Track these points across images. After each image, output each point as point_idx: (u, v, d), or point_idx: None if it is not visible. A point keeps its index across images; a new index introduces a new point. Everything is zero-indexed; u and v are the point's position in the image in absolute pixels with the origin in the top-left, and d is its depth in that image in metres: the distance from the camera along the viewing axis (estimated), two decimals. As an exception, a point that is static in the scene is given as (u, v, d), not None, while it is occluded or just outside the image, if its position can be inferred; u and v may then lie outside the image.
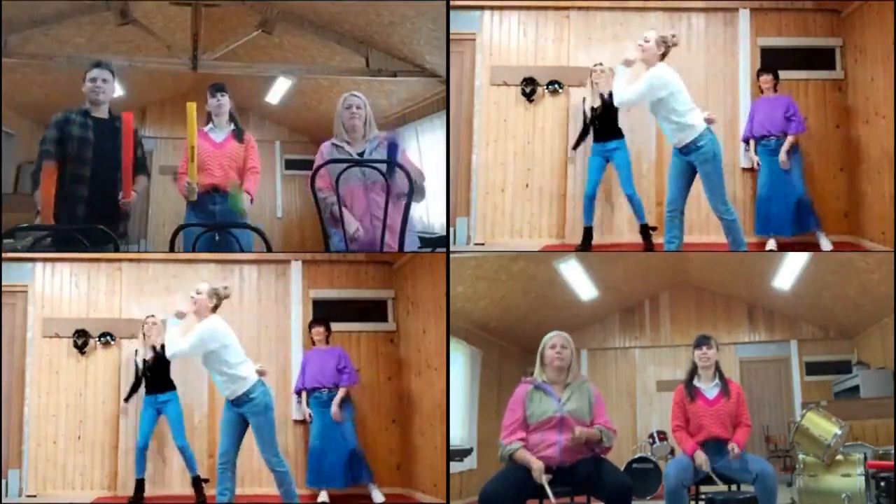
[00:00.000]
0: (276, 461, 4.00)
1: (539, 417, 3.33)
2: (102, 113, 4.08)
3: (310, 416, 5.25)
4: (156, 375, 5.21)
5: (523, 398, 3.41)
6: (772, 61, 5.66)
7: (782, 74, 5.53)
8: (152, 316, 5.33)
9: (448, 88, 5.71)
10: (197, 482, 5.21)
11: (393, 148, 3.70)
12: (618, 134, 5.32)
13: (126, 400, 5.37)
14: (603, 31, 5.88)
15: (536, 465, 3.21)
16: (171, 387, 5.25)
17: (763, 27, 5.80)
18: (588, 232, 5.41)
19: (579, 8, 5.89)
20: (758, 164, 5.31)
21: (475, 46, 5.94)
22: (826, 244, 5.19)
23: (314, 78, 7.47)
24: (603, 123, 5.31)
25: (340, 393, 5.20)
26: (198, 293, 3.93)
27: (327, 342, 5.44)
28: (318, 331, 5.43)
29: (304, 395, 5.34)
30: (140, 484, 5.19)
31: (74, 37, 6.51)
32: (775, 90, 5.34)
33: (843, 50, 5.70)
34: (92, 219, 3.86)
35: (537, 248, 5.70)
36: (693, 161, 4.14)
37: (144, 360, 5.26)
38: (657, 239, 5.32)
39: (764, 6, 5.80)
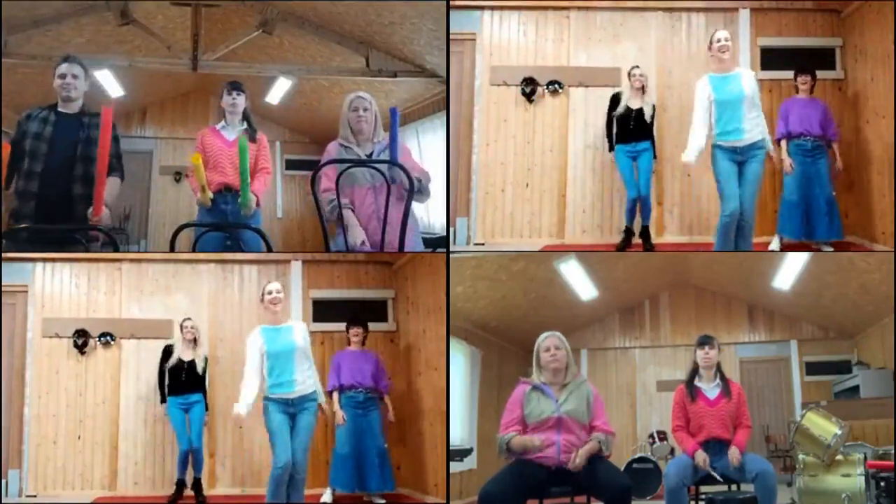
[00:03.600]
0: (304, 466, 4.04)
1: (537, 418, 3.33)
2: (73, 109, 3.91)
3: (343, 418, 5.07)
4: (190, 377, 5.21)
5: (521, 398, 3.41)
6: (772, 61, 5.66)
7: (782, 74, 5.53)
8: (189, 319, 5.33)
9: (448, 88, 5.71)
10: (198, 484, 5.23)
11: (393, 115, 3.58)
12: (648, 136, 5.33)
13: (163, 401, 5.27)
14: (603, 31, 5.88)
15: (537, 441, 3.23)
16: (200, 388, 5.26)
17: (763, 27, 5.80)
18: (628, 233, 5.40)
19: (579, 8, 5.89)
20: (791, 166, 5.08)
21: (475, 46, 5.94)
22: (827, 249, 5.20)
23: (314, 78, 7.48)
24: (638, 126, 5.30)
25: (390, 402, 5.19)
26: (278, 293, 4.12)
27: (363, 344, 5.33)
28: (357, 331, 5.28)
29: (336, 394, 5.13)
30: (180, 485, 5.20)
31: (75, 37, 6.51)
32: (811, 91, 5.23)
33: (843, 50, 5.70)
34: (42, 216, 3.71)
35: (537, 248, 5.70)
36: (747, 159, 4.28)
37: (182, 361, 5.21)
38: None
39: (764, 6, 5.81)
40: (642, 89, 5.33)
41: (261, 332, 4.11)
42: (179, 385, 5.21)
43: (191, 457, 5.20)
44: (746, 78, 4.33)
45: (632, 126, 5.31)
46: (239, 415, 3.97)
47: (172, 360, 5.23)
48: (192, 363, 5.24)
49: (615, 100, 5.40)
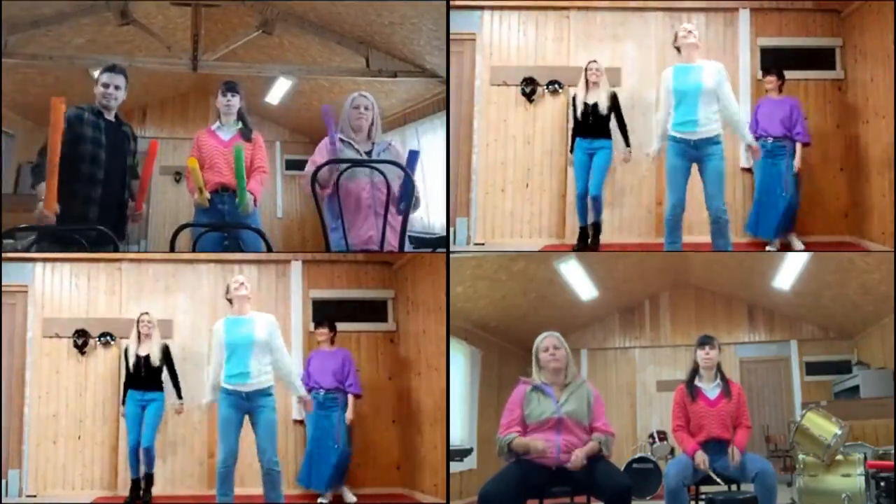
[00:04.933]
0: (276, 460, 4.02)
1: (537, 418, 3.33)
2: (111, 116, 4.05)
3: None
4: (150, 374, 5.20)
5: (521, 399, 3.41)
6: (772, 61, 5.66)
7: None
8: (146, 314, 5.30)
9: (448, 88, 5.71)
10: (148, 479, 5.20)
11: (413, 157, 3.68)
12: (607, 134, 5.31)
13: (124, 402, 5.26)
14: (603, 31, 5.88)
15: (539, 444, 3.22)
16: (160, 387, 5.24)
17: (763, 27, 5.80)
18: (583, 232, 5.41)
19: (579, 8, 5.89)
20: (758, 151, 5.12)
21: (475, 46, 5.94)
22: (798, 245, 5.21)
23: (314, 78, 7.48)
24: (596, 121, 5.30)
25: (351, 403, 5.19)
26: (238, 286, 4.11)
27: (332, 343, 5.38)
28: (321, 332, 5.35)
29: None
30: (135, 484, 5.19)
31: (75, 37, 6.51)
32: (780, 91, 5.28)
33: (843, 50, 5.71)
34: (103, 220, 3.84)
35: (537, 248, 5.70)
36: (703, 156, 4.23)
37: (138, 357, 5.20)
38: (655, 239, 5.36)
39: (764, 6, 5.81)
40: (597, 83, 5.29)
41: (223, 322, 4.09)
42: (138, 381, 5.19)
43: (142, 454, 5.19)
44: (709, 71, 4.24)
45: (590, 121, 5.29)
46: (207, 403, 4.14)
47: (130, 358, 5.21)
48: (146, 358, 5.20)
49: (574, 100, 5.39)
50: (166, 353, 5.29)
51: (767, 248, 5.32)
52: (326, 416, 5.15)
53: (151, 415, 5.19)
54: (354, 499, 5.15)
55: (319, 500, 5.16)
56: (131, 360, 5.21)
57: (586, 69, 5.33)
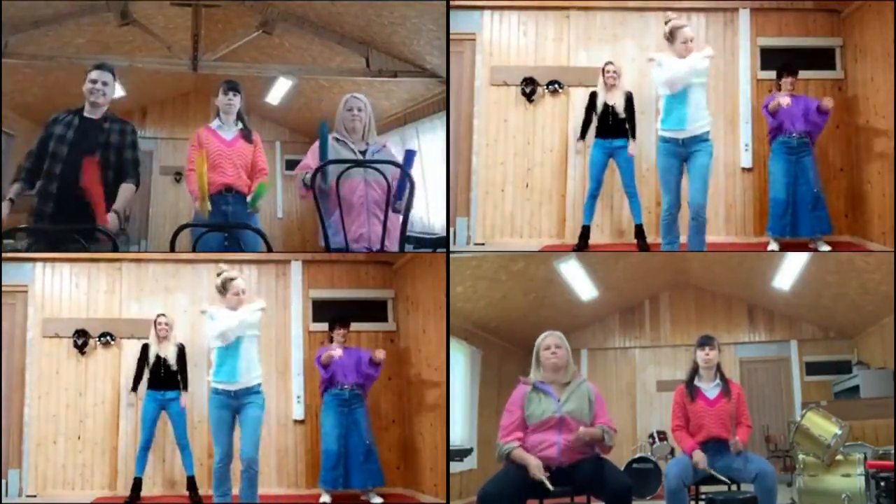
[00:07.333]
0: (256, 458, 4.05)
1: (538, 418, 3.33)
2: (97, 114, 4.01)
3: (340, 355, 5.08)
4: (168, 374, 5.24)
5: (521, 399, 3.40)
6: (772, 61, 5.66)
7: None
8: (163, 315, 5.35)
9: (448, 88, 5.71)
10: (192, 483, 5.23)
11: (410, 156, 3.69)
12: (625, 134, 5.33)
13: (134, 389, 5.33)
14: (603, 31, 5.88)
15: (534, 462, 3.21)
16: (178, 385, 5.28)
17: (763, 27, 5.81)
18: (586, 231, 5.41)
19: (579, 8, 5.89)
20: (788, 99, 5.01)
21: (475, 46, 5.94)
22: (825, 248, 5.19)
23: (314, 78, 7.48)
24: (615, 122, 5.31)
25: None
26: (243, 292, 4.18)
27: (345, 341, 5.35)
28: (342, 332, 5.29)
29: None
30: (137, 483, 5.19)
31: (75, 37, 6.52)
32: (792, 88, 5.23)
33: (843, 50, 5.71)
34: (59, 216, 3.81)
35: (537, 248, 5.70)
36: (693, 153, 4.29)
37: (158, 357, 5.24)
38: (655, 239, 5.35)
39: (764, 6, 5.81)
40: (615, 85, 5.33)
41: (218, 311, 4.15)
42: (157, 381, 5.24)
43: (179, 455, 5.26)
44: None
45: (609, 122, 5.32)
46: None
47: (151, 357, 5.26)
48: (165, 359, 5.25)
49: (593, 98, 5.41)
50: (181, 354, 5.34)
51: (769, 248, 5.32)
52: (350, 413, 5.12)
53: (178, 413, 5.24)
54: (381, 500, 5.14)
55: (321, 500, 5.15)
56: (151, 360, 5.26)
57: (604, 70, 5.35)
